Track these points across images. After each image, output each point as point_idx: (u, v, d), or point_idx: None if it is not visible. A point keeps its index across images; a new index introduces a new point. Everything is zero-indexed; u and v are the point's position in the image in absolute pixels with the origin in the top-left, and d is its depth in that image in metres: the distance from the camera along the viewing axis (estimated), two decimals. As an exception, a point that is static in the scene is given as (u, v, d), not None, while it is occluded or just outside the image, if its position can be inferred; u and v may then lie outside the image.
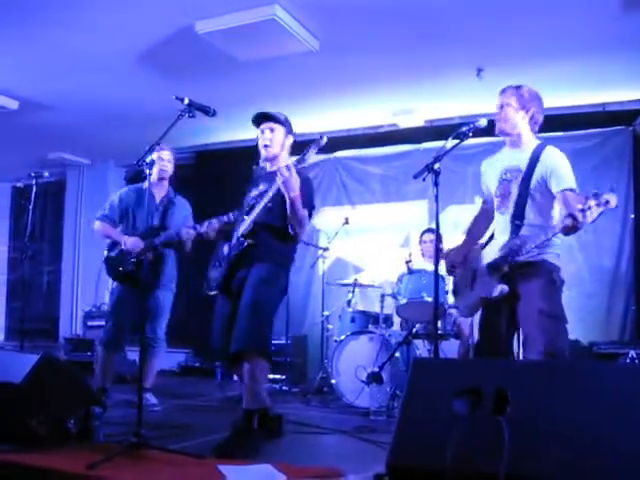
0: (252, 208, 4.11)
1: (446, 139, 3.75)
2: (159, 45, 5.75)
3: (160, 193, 5.36)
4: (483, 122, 3.69)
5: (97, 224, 5.28)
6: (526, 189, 3.66)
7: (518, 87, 3.90)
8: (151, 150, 3.54)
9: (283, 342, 6.98)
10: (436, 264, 3.73)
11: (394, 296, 5.87)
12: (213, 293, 4.21)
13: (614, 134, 6.90)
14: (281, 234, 4.05)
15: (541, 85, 6.47)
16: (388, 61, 6.06)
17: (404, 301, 5.64)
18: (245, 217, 4.13)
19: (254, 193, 4.24)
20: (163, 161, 5.24)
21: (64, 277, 10.28)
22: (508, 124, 3.82)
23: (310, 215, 4.14)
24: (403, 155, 7.80)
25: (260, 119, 4.26)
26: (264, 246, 4.04)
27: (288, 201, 3.85)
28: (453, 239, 6.49)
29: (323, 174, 8.08)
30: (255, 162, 8.95)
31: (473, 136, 3.81)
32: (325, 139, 3.86)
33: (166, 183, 5.41)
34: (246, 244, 4.04)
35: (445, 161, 3.72)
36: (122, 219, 5.30)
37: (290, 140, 4.28)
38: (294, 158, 4.00)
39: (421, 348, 5.96)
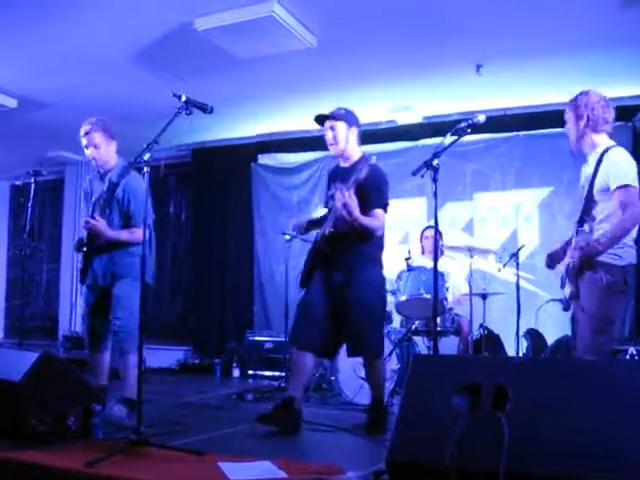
0: (332, 211, 4.25)
1: (445, 136, 3.76)
2: (157, 42, 5.74)
3: (104, 170, 4.76)
4: (481, 118, 3.70)
5: None
6: (590, 193, 3.69)
7: (573, 99, 3.94)
8: (149, 148, 3.53)
9: (282, 339, 6.97)
10: (435, 261, 3.73)
11: (393, 293, 5.86)
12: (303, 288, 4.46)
13: (614, 130, 6.85)
14: (361, 236, 4.20)
15: (540, 81, 6.56)
16: (386, 57, 6.05)
17: (404, 298, 5.64)
18: (328, 217, 4.29)
19: (333, 190, 4.29)
20: (88, 148, 4.66)
21: (63, 275, 10.28)
22: (572, 137, 3.89)
23: (385, 210, 4.37)
24: (401, 152, 7.78)
25: (321, 119, 4.44)
26: (348, 252, 4.24)
27: (350, 222, 4.05)
28: (452, 236, 6.52)
29: (322, 171, 8.06)
30: (253, 159, 9.03)
31: (472, 132, 3.81)
32: (374, 158, 4.27)
33: (111, 161, 4.72)
34: (323, 248, 4.24)
35: (443, 158, 3.73)
36: None
37: (355, 131, 4.44)
38: (364, 148, 4.46)
39: (420, 345, 5.96)
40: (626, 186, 3.51)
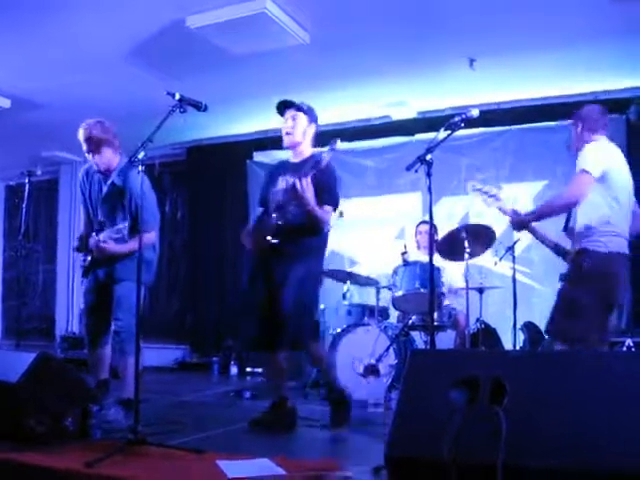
0: (278, 205, 4.17)
1: (439, 130, 3.76)
2: (151, 40, 5.73)
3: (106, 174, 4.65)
4: (475, 112, 3.70)
5: None
6: None
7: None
8: (143, 146, 3.52)
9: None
10: (430, 256, 3.73)
11: (390, 288, 5.87)
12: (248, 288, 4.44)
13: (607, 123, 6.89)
14: (308, 229, 4.17)
15: (533, 75, 6.56)
16: (379, 53, 6.05)
17: (400, 293, 5.64)
18: (273, 215, 4.18)
19: (281, 185, 4.24)
20: (91, 154, 4.55)
21: (59, 275, 10.27)
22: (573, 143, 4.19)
23: (335, 208, 4.30)
24: (396, 147, 7.79)
25: (283, 107, 4.34)
26: (294, 243, 4.16)
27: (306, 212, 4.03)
28: (447, 230, 6.51)
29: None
30: (249, 156, 9.01)
31: (465, 127, 3.81)
32: (339, 142, 4.04)
33: (113, 163, 4.60)
34: (273, 243, 4.13)
35: (437, 152, 3.73)
36: None
37: (313, 129, 4.37)
38: (317, 149, 4.31)
39: (418, 340, 5.97)
40: (581, 171, 3.80)
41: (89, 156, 4.57)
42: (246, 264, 4.46)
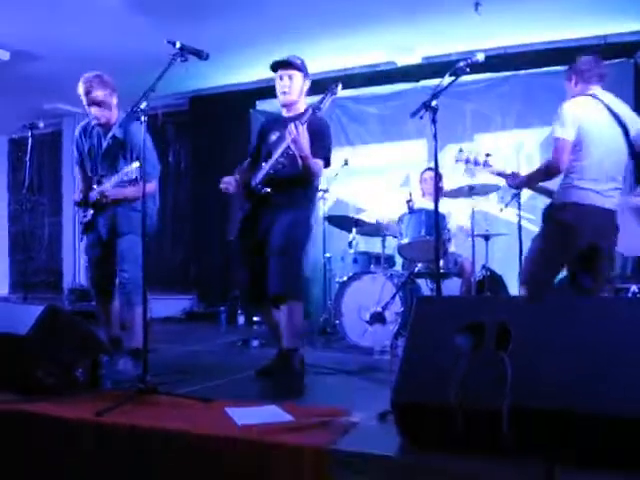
0: (269, 156, 4.13)
1: (444, 76, 3.70)
2: (149, -12, 5.65)
3: (106, 127, 4.62)
4: (480, 57, 3.64)
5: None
6: None
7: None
8: (145, 96, 3.48)
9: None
10: (436, 202, 3.71)
11: (395, 236, 5.87)
12: (234, 238, 4.27)
13: (615, 66, 6.78)
14: (299, 181, 4.11)
15: (539, 18, 6.45)
16: (383, -3, 5.96)
17: (406, 241, 5.64)
18: (264, 164, 4.15)
19: (273, 138, 4.21)
20: (92, 107, 4.50)
21: (65, 228, 10.29)
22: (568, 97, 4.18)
23: (327, 164, 4.22)
24: (401, 94, 7.71)
25: (278, 65, 4.25)
26: (284, 193, 4.10)
27: (299, 160, 3.94)
28: (453, 177, 6.48)
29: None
30: (252, 105, 8.93)
31: (471, 72, 3.74)
32: (340, 86, 3.96)
33: (113, 117, 4.58)
34: (263, 192, 4.08)
35: (443, 99, 3.68)
36: None
37: (308, 84, 4.30)
38: (310, 99, 4.19)
39: (424, 287, 5.99)
40: (555, 139, 3.96)
41: (89, 109, 4.53)
42: (233, 213, 4.35)
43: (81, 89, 4.47)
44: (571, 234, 3.88)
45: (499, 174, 4.50)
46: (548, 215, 4.05)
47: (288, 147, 3.97)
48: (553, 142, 3.96)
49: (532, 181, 4.26)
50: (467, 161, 4.60)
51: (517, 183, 4.33)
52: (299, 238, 4.13)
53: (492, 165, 4.52)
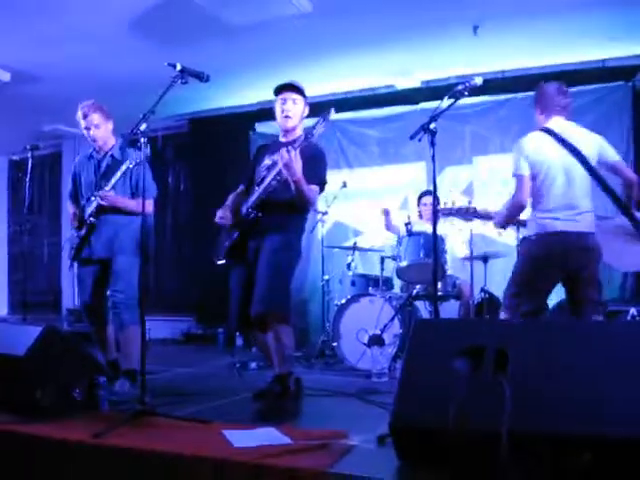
0: (263, 180, 4.14)
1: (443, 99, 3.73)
2: (151, 11, 5.68)
3: (102, 152, 4.81)
4: (478, 80, 3.68)
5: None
6: None
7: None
8: (145, 118, 3.51)
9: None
10: (434, 225, 3.72)
11: (394, 259, 5.87)
12: (220, 262, 4.24)
13: (614, 90, 6.84)
14: (291, 206, 4.10)
15: (538, 42, 6.49)
16: (382, 21, 5.99)
17: (404, 263, 5.64)
18: (256, 188, 4.15)
19: (267, 162, 4.23)
20: (89, 131, 4.71)
21: (64, 248, 10.27)
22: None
23: (322, 189, 4.23)
24: (400, 116, 7.74)
25: (282, 89, 4.26)
26: (274, 217, 4.09)
27: (292, 184, 3.93)
28: (451, 200, 6.49)
29: (320, 137, 8.00)
30: (251, 128, 8.96)
31: (470, 95, 3.78)
32: (333, 111, 3.94)
33: (109, 142, 4.79)
34: (254, 216, 4.08)
35: (442, 121, 3.70)
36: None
37: (307, 111, 4.33)
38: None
39: (422, 309, 5.99)
40: (513, 176, 4.14)
41: (88, 132, 4.70)
42: (220, 237, 4.33)
43: (79, 114, 4.70)
44: (542, 264, 4.03)
45: (487, 215, 4.69)
46: (520, 248, 4.28)
47: (280, 171, 3.97)
48: (514, 181, 4.12)
49: (509, 219, 4.36)
50: (456, 214, 4.79)
51: (501, 223, 4.41)
52: (286, 262, 4.10)
53: (477, 209, 4.73)
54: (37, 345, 3.63)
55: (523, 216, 4.35)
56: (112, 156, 4.71)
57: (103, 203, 4.50)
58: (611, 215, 4.35)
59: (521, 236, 4.36)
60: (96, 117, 4.69)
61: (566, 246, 3.99)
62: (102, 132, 4.72)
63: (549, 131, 4.14)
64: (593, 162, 4.09)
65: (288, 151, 3.83)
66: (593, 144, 4.15)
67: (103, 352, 4.69)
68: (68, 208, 4.98)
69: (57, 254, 10.40)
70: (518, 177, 4.08)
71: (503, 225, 4.46)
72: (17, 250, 10.67)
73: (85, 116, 4.68)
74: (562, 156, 4.06)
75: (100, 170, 4.71)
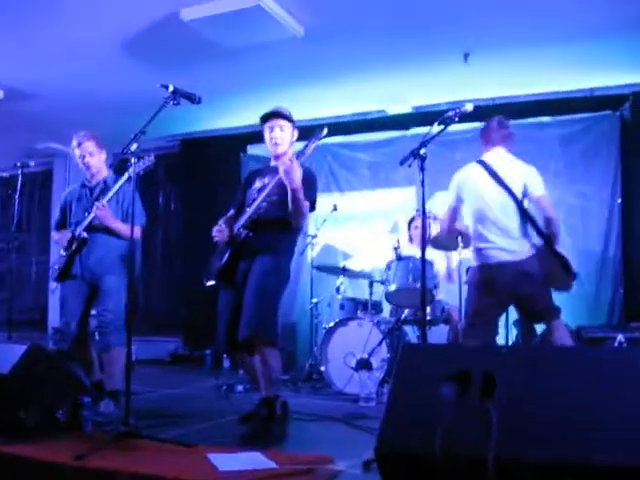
0: (253, 201, 4.15)
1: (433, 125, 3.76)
2: (144, 32, 5.71)
3: (96, 181, 4.91)
4: (469, 107, 3.71)
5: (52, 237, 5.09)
6: None
7: None
8: (136, 138, 3.52)
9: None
10: (423, 250, 3.73)
11: (383, 283, 5.87)
12: (210, 283, 4.21)
13: (602, 119, 6.90)
14: (281, 225, 4.10)
15: (528, 70, 6.56)
16: (374, 47, 6.04)
17: (393, 287, 5.64)
18: (247, 209, 4.16)
19: (257, 185, 4.23)
20: (84, 159, 4.81)
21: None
22: None
23: (313, 208, 4.24)
24: (391, 141, 7.78)
25: (269, 116, 4.29)
26: (265, 237, 4.08)
27: (290, 192, 3.94)
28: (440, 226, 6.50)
29: (311, 161, 8.01)
30: (243, 150, 8.97)
31: (460, 121, 3.81)
32: (325, 131, 3.97)
33: (102, 171, 4.89)
34: (244, 235, 4.08)
35: (432, 147, 3.73)
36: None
37: (296, 134, 4.35)
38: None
39: (410, 334, 5.98)
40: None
41: (84, 160, 4.80)
42: (212, 259, 4.31)
43: (74, 143, 4.81)
44: (489, 292, 4.24)
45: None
46: (468, 278, 4.50)
47: (270, 192, 4.01)
48: None
49: (439, 243, 4.90)
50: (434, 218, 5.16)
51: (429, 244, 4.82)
52: (274, 285, 4.09)
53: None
54: (22, 363, 3.60)
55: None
56: (105, 182, 4.78)
57: (99, 213, 4.52)
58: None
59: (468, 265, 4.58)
60: (90, 145, 4.78)
61: (507, 274, 4.20)
62: (96, 160, 4.82)
63: (482, 162, 4.43)
64: (519, 194, 4.29)
65: (290, 160, 3.88)
66: (521, 177, 4.34)
67: (87, 373, 4.65)
68: (53, 236, 5.00)
69: (45, 272, 10.35)
70: (448, 206, 4.52)
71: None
72: (4, 267, 10.60)
73: (80, 144, 4.78)
74: (493, 187, 4.30)
75: (93, 197, 4.76)
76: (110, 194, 4.57)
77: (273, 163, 4.32)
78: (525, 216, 4.31)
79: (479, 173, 4.37)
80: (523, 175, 4.35)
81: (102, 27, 5.58)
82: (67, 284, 4.76)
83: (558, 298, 4.46)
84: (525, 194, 4.31)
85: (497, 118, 4.58)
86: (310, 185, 4.16)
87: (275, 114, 4.27)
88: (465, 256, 5.83)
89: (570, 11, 5.28)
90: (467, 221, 4.45)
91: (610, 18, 5.39)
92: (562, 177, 6.82)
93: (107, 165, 4.94)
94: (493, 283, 4.23)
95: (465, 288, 5.68)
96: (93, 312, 4.71)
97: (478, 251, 4.33)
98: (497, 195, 4.29)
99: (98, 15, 5.36)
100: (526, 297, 4.26)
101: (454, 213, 4.48)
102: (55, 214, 5.09)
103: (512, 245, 4.25)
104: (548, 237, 4.32)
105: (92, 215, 4.56)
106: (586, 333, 6.08)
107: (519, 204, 4.29)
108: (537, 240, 4.35)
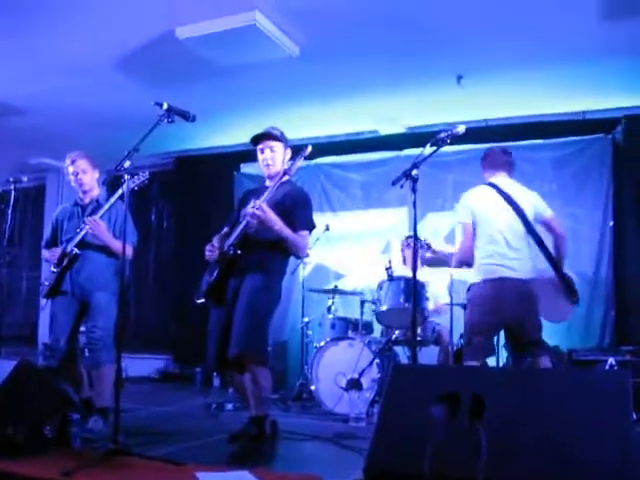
0: (245, 218, 4.14)
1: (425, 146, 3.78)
2: (139, 50, 5.73)
3: (88, 199, 4.94)
4: (461, 129, 3.74)
5: (42, 254, 5.08)
6: None
7: None
8: (129, 155, 3.53)
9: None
10: (414, 270, 3.73)
11: (374, 303, 5.87)
12: (200, 301, 4.20)
13: (594, 142, 6.94)
14: (272, 246, 4.10)
15: (521, 93, 6.61)
16: (368, 68, 6.07)
17: (384, 308, 5.64)
18: (237, 227, 4.16)
19: (251, 205, 4.22)
20: (77, 176, 4.85)
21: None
22: None
23: (312, 229, 4.28)
24: (384, 162, 7.80)
25: (259, 138, 4.32)
26: (256, 257, 4.09)
27: (276, 231, 3.97)
28: (434, 246, 6.52)
29: (304, 181, 8.04)
30: (236, 168, 9.00)
31: (452, 143, 3.84)
32: (310, 148, 4.03)
33: (95, 190, 4.95)
34: (233, 252, 4.07)
35: (424, 168, 3.75)
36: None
37: (289, 153, 4.35)
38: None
39: (401, 354, 5.97)
40: (457, 223, 4.55)
41: (75, 178, 4.85)
42: (203, 277, 4.30)
43: (67, 161, 4.87)
44: (490, 307, 4.28)
45: (443, 255, 5.10)
46: (469, 295, 4.50)
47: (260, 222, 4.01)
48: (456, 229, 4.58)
49: (461, 263, 4.67)
50: (421, 246, 5.04)
51: (456, 265, 4.76)
52: (265, 304, 4.08)
53: (433, 247, 5.12)
54: (11, 379, 3.59)
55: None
56: (97, 201, 4.83)
57: (94, 226, 4.53)
58: (540, 269, 4.60)
59: (469, 283, 4.57)
60: (83, 163, 4.83)
61: (514, 290, 4.28)
62: (88, 178, 4.87)
63: (493, 185, 4.48)
64: (530, 217, 4.43)
65: (260, 208, 3.89)
66: (530, 200, 4.50)
67: (76, 390, 4.63)
68: (44, 254, 4.99)
69: (36, 288, 10.30)
70: (463, 224, 4.46)
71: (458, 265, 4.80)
72: (-6, 282, 10.56)
73: (73, 162, 4.83)
74: (504, 208, 4.40)
75: (85, 215, 4.77)
76: (102, 210, 4.59)
77: (268, 183, 4.32)
78: (534, 239, 4.45)
79: (490, 194, 4.45)
80: (531, 199, 4.52)
81: (97, 43, 5.60)
82: (57, 300, 4.75)
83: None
84: (535, 217, 4.46)
85: (498, 147, 4.84)
86: (305, 211, 4.20)
87: (265, 135, 4.30)
88: (458, 276, 5.86)
89: (562, 34, 5.33)
90: (477, 240, 4.46)
91: (602, 41, 5.43)
92: (554, 199, 6.85)
93: (99, 184, 4.98)
94: (498, 296, 4.27)
95: (456, 310, 5.75)
96: (82, 329, 4.70)
97: (483, 267, 4.37)
98: (508, 217, 4.39)
99: (93, 31, 5.37)
100: (519, 319, 4.33)
101: (471, 232, 4.47)
102: (46, 232, 5.09)
103: (518, 265, 4.34)
104: (557, 261, 4.51)
105: (84, 231, 4.57)
106: (577, 356, 6.08)
107: (529, 227, 4.42)
108: (542, 264, 4.51)
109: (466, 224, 4.44)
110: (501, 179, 4.54)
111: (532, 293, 4.34)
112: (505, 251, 4.33)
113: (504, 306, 4.26)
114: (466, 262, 4.58)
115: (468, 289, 4.55)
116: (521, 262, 4.35)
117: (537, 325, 4.40)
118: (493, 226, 4.37)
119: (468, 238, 4.44)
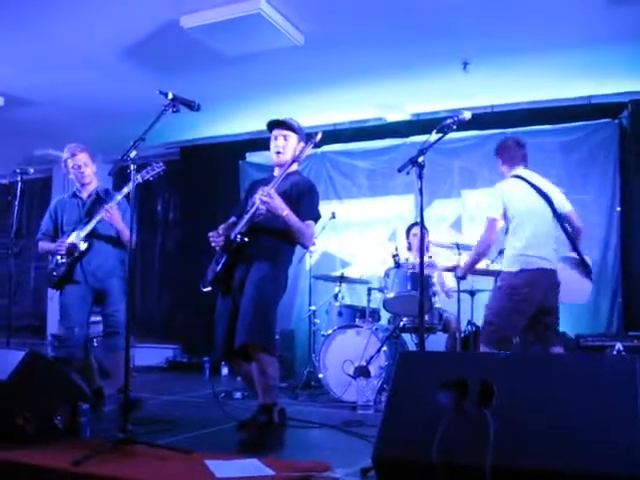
0: (252, 206, 4.14)
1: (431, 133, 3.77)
2: (144, 40, 5.72)
3: (87, 192, 5.06)
4: (467, 115, 3.71)
5: (39, 246, 5.14)
6: None
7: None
8: (135, 145, 3.53)
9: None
10: (421, 257, 3.73)
11: (381, 290, 5.87)
12: (206, 290, 4.20)
13: (600, 127, 6.91)
14: (279, 235, 4.10)
15: (527, 78, 6.58)
16: (374, 55, 6.05)
17: (391, 295, 5.64)
18: (245, 216, 4.15)
19: (259, 194, 4.22)
20: (79, 169, 4.95)
21: (51, 273, 10.21)
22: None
23: (317, 219, 4.26)
24: (390, 149, 7.79)
25: (274, 125, 4.30)
26: (262, 245, 4.09)
27: (282, 219, 3.96)
28: (439, 233, 6.52)
29: (310, 169, 8.05)
30: (242, 157, 8.99)
31: (458, 129, 3.82)
32: (320, 135, 4.02)
33: (94, 182, 5.06)
34: (240, 241, 4.06)
35: (430, 155, 3.73)
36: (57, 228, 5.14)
37: (301, 147, 4.31)
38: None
39: (409, 341, 5.98)
40: (486, 219, 4.56)
41: (76, 170, 4.95)
42: (209, 265, 4.30)
43: (66, 154, 4.97)
44: (524, 297, 4.34)
45: (446, 269, 5.42)
46: (503, 282, 4.50)
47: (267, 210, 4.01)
48: (485, 223, 4.56)
49: (472, 266, 4.80)
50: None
51: (462, 273, 4.92)
52: (271, 293, 4.07)
53: (437, 265, 5.36)
54: (20, 370, 3.60)
55: (482, 265, 5.00)
56: (97, 194, 4.97)
57: (112, 213, 4.66)
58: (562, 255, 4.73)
59: (504, 269, 4.56)
60: (84, 156, 4.95)
61: (547, 281, 4.41)
62: (89, 171, 5.00)
63: (522, 178, 4.56)
64: (557, 207, 4.56)
65: (269, 195, 3.88)
66: (553, 192, 4.62)
67: (87, 379, 4.65)
68: (42, 246, 5.02)
69: (44, 279, 10.35)
70: (491, 220, 4.51)
71: (464, 275, 4.97)
72: (3, 273, 10.60)
73: (74, 155, 4.93)
74: (535, 200, 4.49)
75: (85, 207, 4.90)
76: (120, 196, 4.72)
77: (276, 172, 4.32)
78: (561, 228, 4.58)
79: (523, 187, 4.53)
80: (555, 191, 4.64)
81: (102, 34, 5.59)
82: (69, 290, 4.79)
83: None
84: (558, 210, 4.58)
85: (512, 138, 4.90)
86: (311, 201, 4.19)
87: (283, 124, 4.29)
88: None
89: (569, 19, 5.30)
90: (514, 232, 4.52)
91: (609, 26, 5.40)
92: (561, 185, 6.81)
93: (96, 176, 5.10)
94: (534, 286, 4.36)
95: (463, 297, 5.75)
96: (107, 312, 4.87)
97: (521, 257, 4.42)
98: (539, 207, 4.50)
99: (98, 22, 5.37)
100: (547, 310, 4.45)
101: (499, 225, 4.54)
102: (43, 223, 5.14)
103: (551, 255, 4.48)
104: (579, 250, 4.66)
105: (100, 216, 4.69)
106: (585, 342, 6.08)
107: (557, 215, 4.54)
108: (566, 252, 4.64)
109: (496, 220, 4.50)
110: (524, 172, 4.63)
111: (559, 283, 4.48)
112: (541, 242, 4.43)
113: (538, 296, 4.36)
114: (485, 255, 4.76)
115: (501, 277, 4.56)
116: (552, 252, 4.48)
117: (557, 315, 4.56)
118: (530, 218, 4.47)
119: (493, 233, 4.52)
